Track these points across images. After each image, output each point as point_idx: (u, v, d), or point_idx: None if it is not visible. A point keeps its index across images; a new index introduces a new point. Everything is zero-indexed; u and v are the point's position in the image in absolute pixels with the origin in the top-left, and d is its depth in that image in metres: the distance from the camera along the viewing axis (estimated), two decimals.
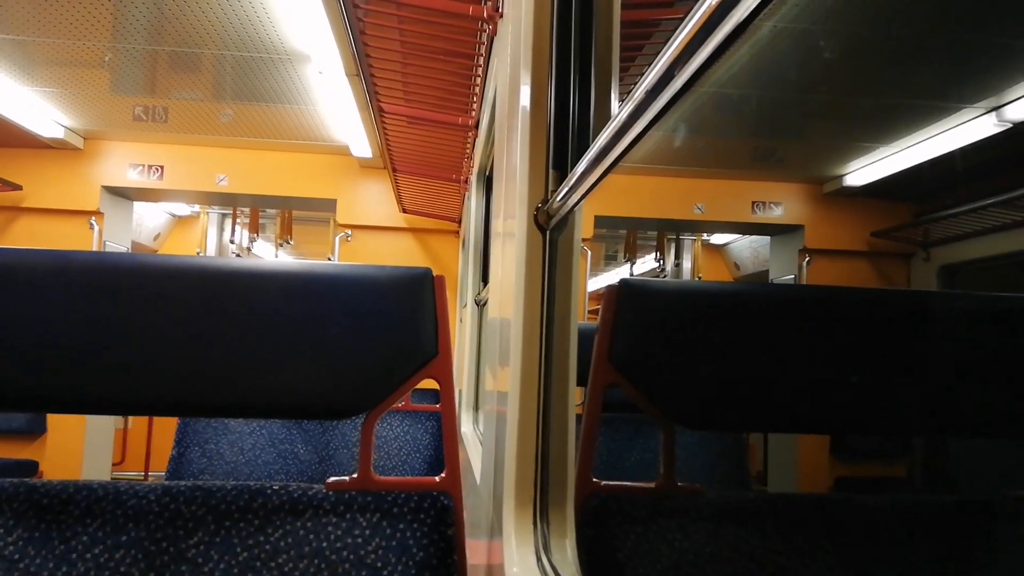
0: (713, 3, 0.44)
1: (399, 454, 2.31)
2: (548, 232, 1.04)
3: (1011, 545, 1.03)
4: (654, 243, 5.74)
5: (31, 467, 3.96)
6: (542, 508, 1.01)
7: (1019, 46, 2.36)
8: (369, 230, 4.43)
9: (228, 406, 1.03)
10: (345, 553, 0.98)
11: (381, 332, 1.03)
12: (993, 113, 2.78)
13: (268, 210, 5.71)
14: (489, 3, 1.71)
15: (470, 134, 2.78)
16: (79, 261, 1.00)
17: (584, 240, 3.40)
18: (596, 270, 7.40)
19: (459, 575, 1.01)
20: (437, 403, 2.23)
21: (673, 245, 5.79)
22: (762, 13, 0.41)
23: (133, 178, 4.16)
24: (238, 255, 5.87)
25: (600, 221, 4.26)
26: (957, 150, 3.07)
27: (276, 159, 4.24)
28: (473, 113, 2.57)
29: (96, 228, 4.12)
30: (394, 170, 3.51)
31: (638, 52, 1.87)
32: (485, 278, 2.91)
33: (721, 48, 0.46)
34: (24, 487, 0.97)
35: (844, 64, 2.55)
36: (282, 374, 1.00)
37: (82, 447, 4.01)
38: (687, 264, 5.80)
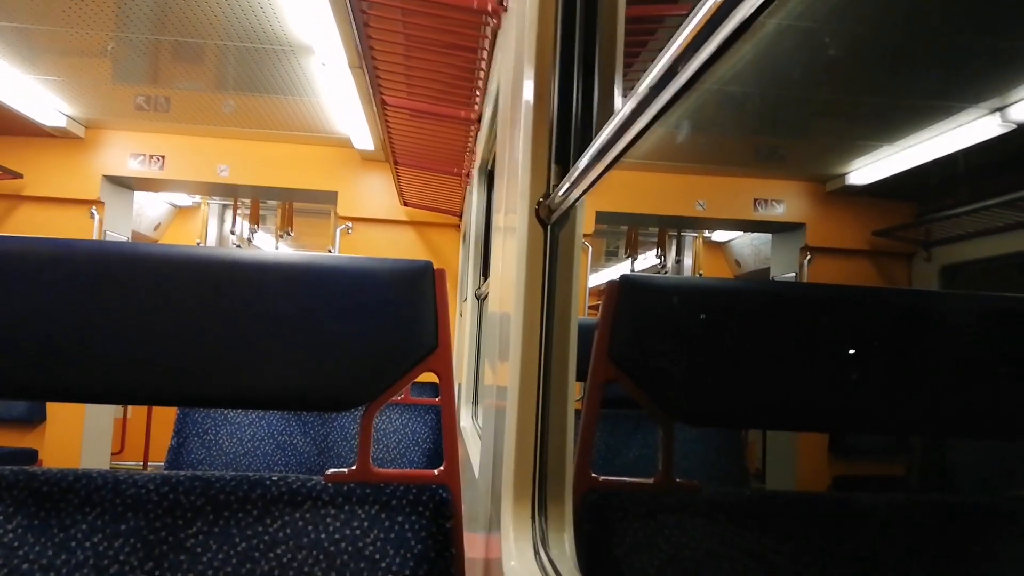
0: (717, 0, 0.44)
1: (398, 447, 2.31)
2: (549, 227, 1.04)
3: (1009, 545, 1.03)
4: (655, 239, 5.73)
5: (30, 455, 3.97)
6: (540, 503, 1.01)
7: (1023, 47, 2.36)
8: (370, 223, 4.43)
9: (227, 397, 1.03)
10: (343, 545, 0.98)
11: (381, 325, 1.03)
12: (997, 113, 2.77)
13: (269, 201, 5.71)
14: None
15: (472, 128, 2.78)
16: (79, 250, 0.99)
17: (585, 236, 3.40)
18: (597, 266, 7.40)
19: (457, 568, 1.01)
20: (436, 396, 2.22)
21: (674, 242, 5.79)
22: (766, 11, 0.41)
23: (134, 168, 4.16)
24: (238, 246, 5.87)
25: (601, 217, 4.26)
26: (960, 150, 3.06)
27: (278, 150, 4.24)
28: (476, 107, 2.56)
29: (97, 217, 4.12)
30: (396, 163, 3.51)
31: (642, 48, 1.87)
32: (486, 272, 2.91)
33: (725, 45, 0.45)
34: (23, 475, 0.97)
35: (848, 62, 2.54)
36: (282, 365, 1.00)
37: (81, 436, 4.02)
38: (688, 261, 5.79)
